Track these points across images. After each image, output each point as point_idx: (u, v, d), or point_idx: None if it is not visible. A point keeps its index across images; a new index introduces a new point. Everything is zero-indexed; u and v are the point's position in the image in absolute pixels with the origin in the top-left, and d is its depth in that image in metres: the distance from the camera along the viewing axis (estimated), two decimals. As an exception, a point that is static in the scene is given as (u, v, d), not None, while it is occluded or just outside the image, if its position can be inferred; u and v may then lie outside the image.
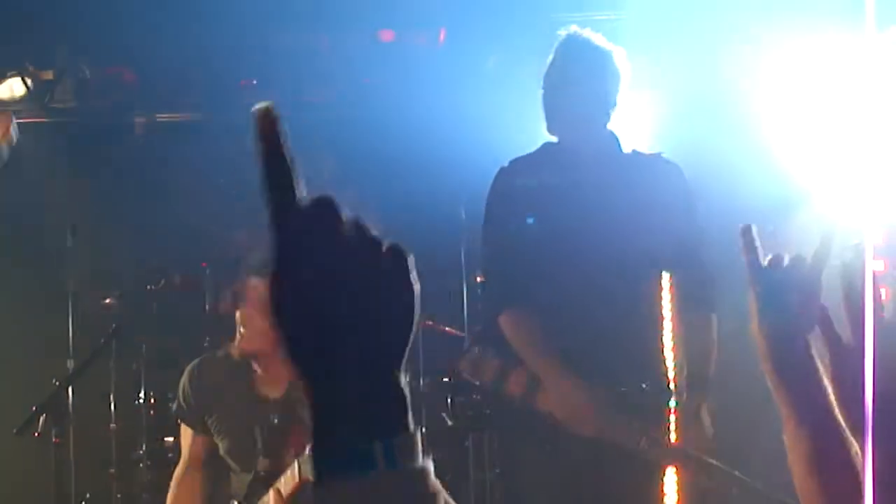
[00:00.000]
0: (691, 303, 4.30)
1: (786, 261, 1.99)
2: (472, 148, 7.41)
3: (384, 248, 1.06)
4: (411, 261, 1.08)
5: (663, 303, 4.31)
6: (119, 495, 7.08)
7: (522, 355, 4.21)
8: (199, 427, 4.67)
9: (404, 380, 1.05)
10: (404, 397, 1.05)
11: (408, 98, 7.75)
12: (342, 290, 1.03)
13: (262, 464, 4.39)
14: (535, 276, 4.22)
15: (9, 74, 7.68)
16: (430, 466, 1.05)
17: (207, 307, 7.18)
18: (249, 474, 4.45)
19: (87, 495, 7.14)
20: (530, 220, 4.28)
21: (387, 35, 7.61)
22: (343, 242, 1.04)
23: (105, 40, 7.67)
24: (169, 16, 7.10)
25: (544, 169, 4.33)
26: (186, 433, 4.80)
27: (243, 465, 4.52)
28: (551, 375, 4.13)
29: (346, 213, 1.06)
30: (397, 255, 1.06)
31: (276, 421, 4.43)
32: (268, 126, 1.14)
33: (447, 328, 7.14)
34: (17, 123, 8.01)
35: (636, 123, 6.91)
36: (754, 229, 2.01)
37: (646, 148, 4.57)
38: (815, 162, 6.93)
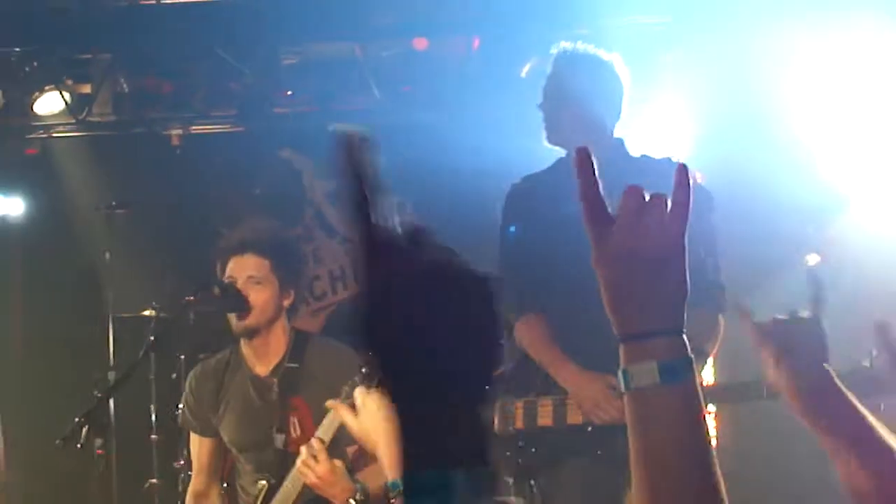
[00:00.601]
0: (700, 302, 4.28)
1: (778, 316, 2.06)
2: (507, 154, 7.40)
3: (475, 280, 1.07)
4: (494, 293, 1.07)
5: None
6: (160, 505, 7.10)
7: (537, 359, 4.31)
8: (206, 429, 4.73)
9: (487, 415, 1.06)
10: (486, 431, 1.06)
11: (443, 105, 7.76)
12: (434, 327, 1.03)
13: (279, 439, 4.45)
14: (546, 284, 4.26)
15: (46, 88, 7.73)
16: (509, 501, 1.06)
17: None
18: (259, 466, 4.50)
19: (129, 506, 7.17)
20: (540, 230, 4.32)
21: (421, 43, 7.62)
22: (427, 266, 1.05)
23: (142, 53, 7.71)
24: (205, 28, 7.14)
25: (552, 180, 4.37)
26: (195, 443, 4.85)
27: (255, 448, 4.56)
28: (565, 373, 4.24)
29: (440, 247, 1.09)
30: (483, 286, 1.06)
31: (275, 396, 4.50)
32: (354, 152, 1.09)
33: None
34: (57, 137, 8.11)
35: (673, 129, 6.90)
36: (744, 305, 2.10)
37: (659, 152, 4.54)
38: (855, 169, 6.89)
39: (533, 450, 4.30)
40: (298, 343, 4.61)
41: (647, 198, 1.57)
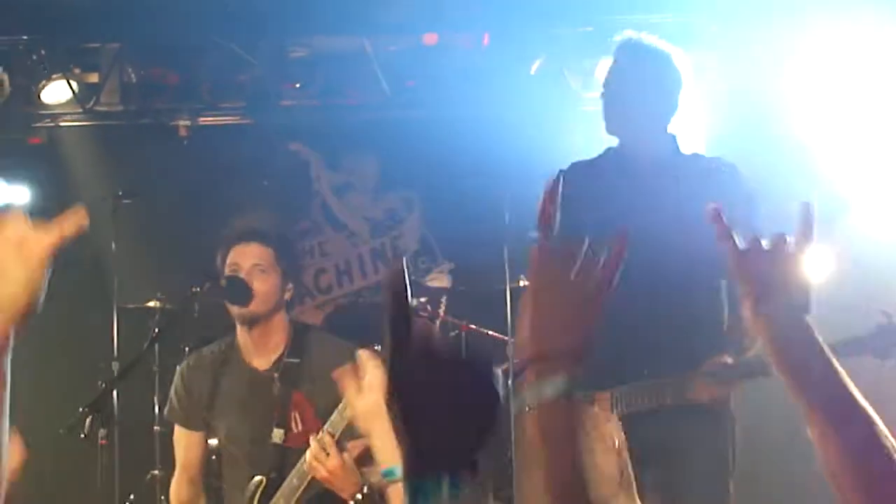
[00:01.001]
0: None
1: (763, 242, 1.94)
2: (515, 151, 7.40)
3: (475, 371, 1.28)
4: (496, 375, 1.30)
5: (720, 306, 4.25)
6: (163, 497, 7.08)
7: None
8: (195, 423, 4.70)
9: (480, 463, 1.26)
10: (479, 479, 1.23)
11: (452, 101, 7.75)
12: (442, 402, 1.25)
13: (277, 434, 4.43)
14: None
15: (54, 77, 7.72)
16: None
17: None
18: (254, 462, 4.47)
19: (132, 496, 7.18)
20: (576, 220, 4.27)
21: (431, 38, 7.61)
22: (446, 370, 1.27)
23: (150, 43, 7.71)
24: (213, 18, 7.13)
25: (603, 172, 4.33)
26: (180, 437, 4.83)
27: (251, 443, 4.53)
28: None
29: (450, 347, 1.31)
30: (486, 373, 1.29)
31: (276, 391, 4.48)
32: (397, 283, 1.31)
33: (490, 332, 7.13)
34: (64, 126, 8.10)
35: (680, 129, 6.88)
36: (724, 215, 1.97)
37: (704, 151, 4.51)
38: (857, 170, 6.88)
39: None
40: (299, 336, 4.60)
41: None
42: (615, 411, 4.12)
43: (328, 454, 3.95)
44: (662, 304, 4.10)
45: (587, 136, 6.99)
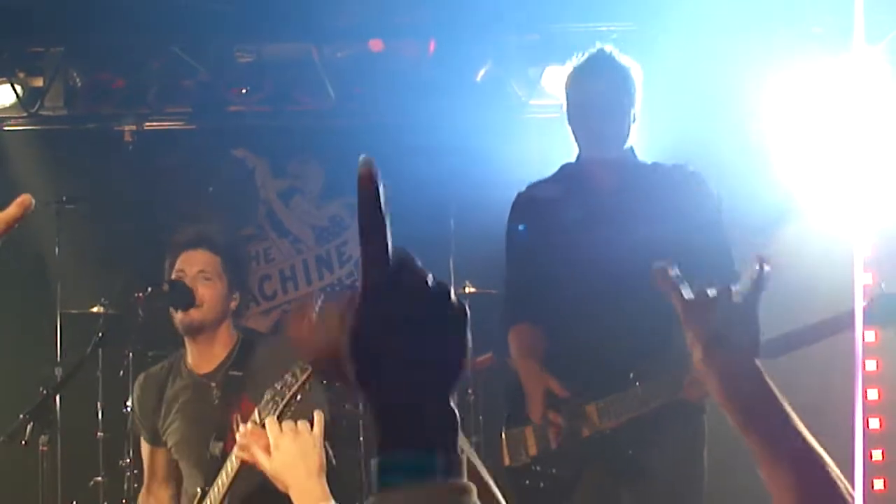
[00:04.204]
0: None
1: (710, 292, 1.94)
2: (461, 158, 7.43)
3: (450, 300, 1.20)
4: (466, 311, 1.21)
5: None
6: (106, 503, 7.06)
7: (514, 366, 4.32)
8: (154, 437, 4.67)
9: (454, 404, 1.18)
10: (456, 419, 1.17)
11: (397, 108, 7.77)
12: (412, 331, 1.16)
13: (216, 447, 4.39)
14: (547, 294, 4.26)
15: (-2, 81, 7.68)
16: (473, 487, 1.15)
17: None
18: (200, 472, 4.42)
19: (74, 503, 7.12)
20: (548, 237, 4.30)
21: (377, 45, 7.62)
22: (420, 295, 1.18)
23: (95, 47, 7.66)
24: (160, 23, 7.10)
25: (562, 189, 4.35)
26: (145, 450, 4.80)
27: (197, 453, 4.49)
28: (524, 374, 4.27)
29: (423, 271, 1.21)
30: (459, 307, 1.19)
31: (216, 400, 4.45)
32: (368, 184, 1.25)
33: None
34: (8, 130, 8.03)
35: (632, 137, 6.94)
36: (670, 269, 1.97)
37: (666, 158, 4.54)
38: (809, 173, 6.97)
39: (552, 471, 4.29)
40: (245, 345, 4.56)
41: None
42: (605, 422, 4.15)
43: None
44: (637, 311, 4.13)
45: (532, 144, 7.07)
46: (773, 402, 1.86)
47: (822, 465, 1.81)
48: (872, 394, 6.55)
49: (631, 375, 4.12)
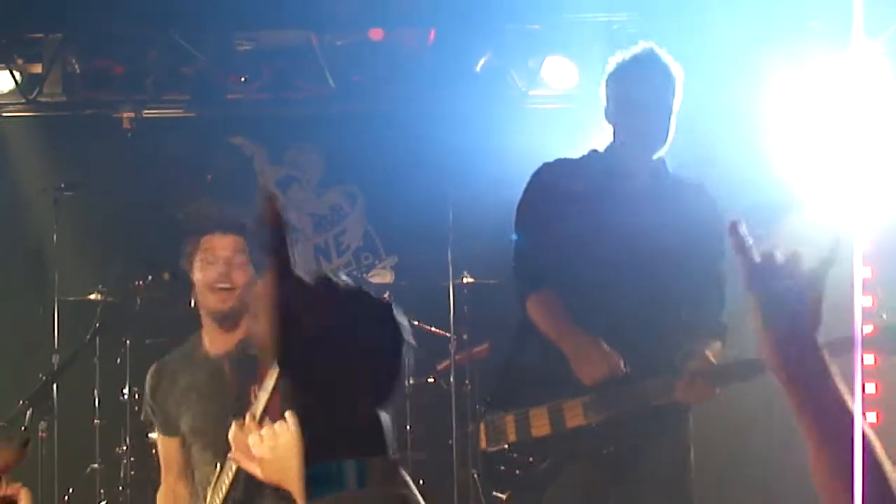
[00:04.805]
0: (706, 333, 4.30)
1: (779, 257, 1.88)
2: (460, 148, 7.43)
3: (376, 308, 1.21)
4: (401, 318, 1.22)
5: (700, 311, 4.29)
6: (102, 490, 7.07)
7: (546, 331, 4.22)
8: (169, 428, 4.60)
9: (387, 415, 1.19)
10: (381, 427, 1.17)
11: (397, 97, 7.76)
12: (332, 339, 1.18)
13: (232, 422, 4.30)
14: (563, 264, 4.24)
15: (-3, 67, 7.67)
16: (410, 494, 1.12)
17: (193, 303, 7.16)
18: (215, 455, 4.35)
19: (71, 489, 7.14)
20: (566, 215, 4.27)
21: (377, 34, 7.61)
22: (337, 302, 1.20)
23: (94, 34, 7.65)
24: (159, 10, 7.09)
25: (592, 175, 4.33)
26: (160, 440, 4.75)
27: (213, 433, 4.41)
28: (568, 339, 4.15)
29: (343, 281, 1.22)
30: (386, 312, 1.21)
31: (231, 379, 4.34)
32: (272, 212, 1.28)
33: (433, 329, 7.15)
34: (6, 117, 8.03)
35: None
36: (743, 226, 1.93)
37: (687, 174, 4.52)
38: (808, 167, 6.97)
39: (530, 459, 4.28)
40: None
41: None
42: (593, 416, 4.14)
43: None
44: (638, 311, 4.14)
45: (531, 135, 7.06)
46: (829, 381, 1.81)
47: (869, 446, 1.77)
48: (871, 417, 6.55)
49: (623, 364, 4.12)
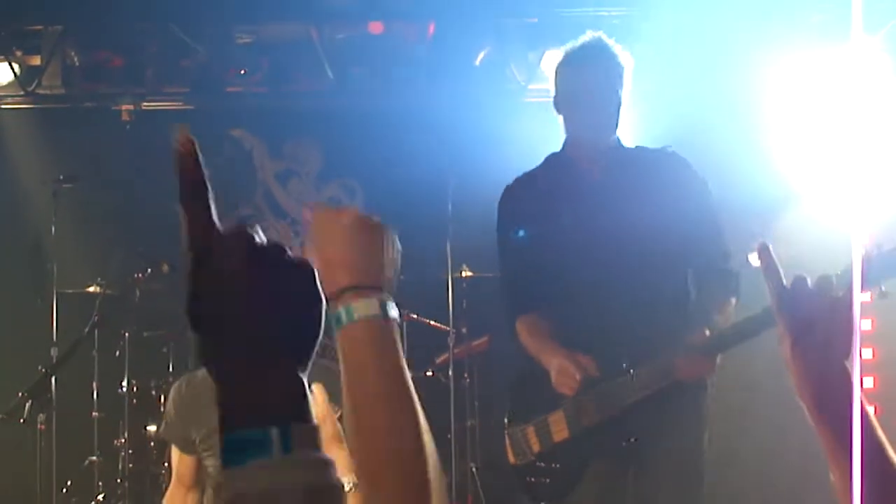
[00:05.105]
0: (713, 289, 4.30)
1: (810, 282, 1.84)
2: (459, 142, 7.43)
3: (292, 264, 1.16)
4: (317, 276, 1.17)
5: (682, 293, 4.28)
6: (100, 483, 7.08)
7: (532, 354, 4.25)
8: (186, 446, 4.57)
9: (306, 377, 1.13)
10: (304, 391, 1.12)
11: (396, 90, 7.76)
12: (249, 300, 1.13)
13: None
14: (545, 283, 4.25)
15: (-4, 59, 7.67)
16: (332, 460, 1.11)
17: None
18: None
19: (69, 482, 7.14)
20: (540, 228, 4.29)
21: (376, 27, 7.61)
22: (255, 258, 1.14)
23: (93, 26, 7.65)
24: (158, 3, 7.09)
25: (550, 180, 4.34)
26: (175, 453, 4.73)
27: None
28: (546, 354, 4.18)
29: (261, 236, 1.16)
30: (305, 270, 1.17)
31: None
32: (187, 154, 1.20)
33: (431, 322, 7.15)
34: (5, 109, 8.02)
35: (627, 124, 6.94)
36: (772, 249, 1.86)
37: (650, 143, 4.52)
38: (807, 162, 6.97)
39: (556, 465, 4.28)
40: None
41: None
42: (606, 411, 4.13)
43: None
44: (627, 296, 4.13)
45: (530, 128, 7.05)
46: (863, 415, 1.75)
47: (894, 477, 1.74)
48: (868, 382, 6.57)
49: (624, 365, 4.11)
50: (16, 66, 7.66)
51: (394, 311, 1.78)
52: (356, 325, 1.74)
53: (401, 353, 1.74)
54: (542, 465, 4.27)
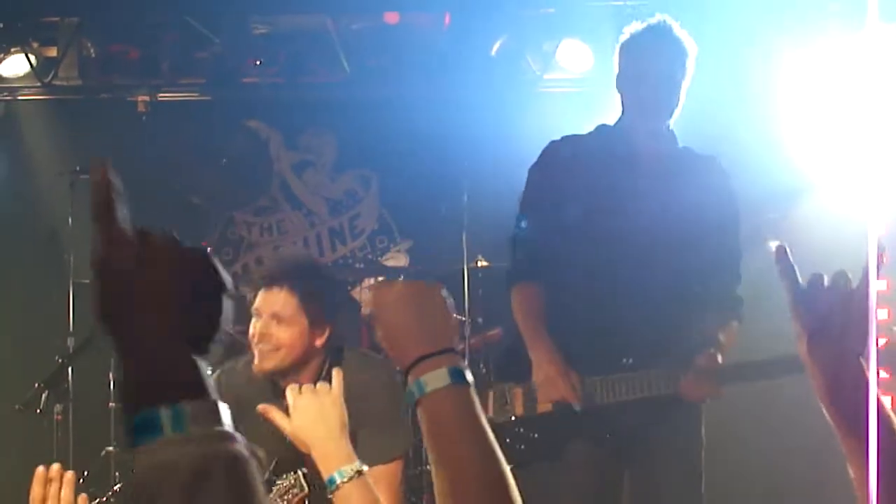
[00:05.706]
0: (719, 311, 4.29)
1: (826, 280, 1.85)
2: (474, 131, 7.42)
3: (189, 252, 1.25)
4: (217, 266, 1.25)
5: (692, 306, 4.27)
6: (117, 473, 7.09)
7: (519, 328, 4.25)
8: None
9: (204, 359, 1.21)
10: (199, 373, 1.20)
11: (412, 81, 7.75)
12: (141, 294, 1.21)
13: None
14: (556, 253, 4.23)
15: (12, 51, 7.67)
16: (234, 431, 1.16)
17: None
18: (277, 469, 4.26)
19: (86, 472, 7.15)
20: (573, 193, 4.26)
21: (392, 17, 7.60)
22: (148, 258, 1.24)
23: (110, 18, 7.66)
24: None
25: (602, 148, 4.30)
26: None
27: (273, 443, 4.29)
28: (535, 347, 4.18)
29: (159, 232, 1.27)
30: (197, 261, 1.25)
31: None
32: (102, 180, 1.36)
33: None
34: (22, 100, 8.03)
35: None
36: (789, 251, 1.87)
37: (698, 148, 4.49)
38: (823, 151, 6.95)
39: (534, 435, 4.27)
40: (331, 365, 3.93)
41: None
42: (599, 400, 4.13)
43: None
44: (647, 293, 4.12)
45: (546, 118, 7.04)
46: (879, 410, 1.77)
47: None
48: (883, 373, 6.53)
49: (625, 360, 4.11)
50: (32, 58, 7.67)
51: (467, 375, 1.79)
52: (428, 397, 1.76)
53: (480, 415, 1.76)
54: (521, 430, 4.25)
